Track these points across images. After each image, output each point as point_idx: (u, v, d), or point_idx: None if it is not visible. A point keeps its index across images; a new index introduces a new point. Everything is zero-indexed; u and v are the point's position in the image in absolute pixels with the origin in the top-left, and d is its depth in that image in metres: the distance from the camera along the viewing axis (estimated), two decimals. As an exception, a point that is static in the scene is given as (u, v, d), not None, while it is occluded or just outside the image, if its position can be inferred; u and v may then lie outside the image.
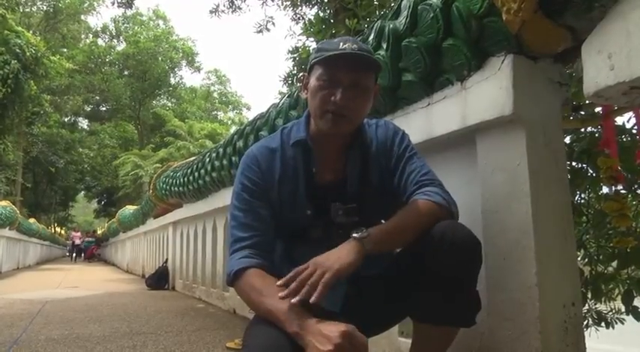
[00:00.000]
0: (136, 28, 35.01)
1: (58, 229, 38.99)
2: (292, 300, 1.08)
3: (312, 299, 1.06)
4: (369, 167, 1.41)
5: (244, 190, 1.37)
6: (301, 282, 1.10)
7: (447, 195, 1.30)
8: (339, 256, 1.14)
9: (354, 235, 1.18)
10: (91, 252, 23.53)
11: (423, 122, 1.84)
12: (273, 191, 1.38)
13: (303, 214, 1.38)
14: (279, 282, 1.14)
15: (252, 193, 1.36)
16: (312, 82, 1.34)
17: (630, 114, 2.04)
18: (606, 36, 1.18)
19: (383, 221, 1.29)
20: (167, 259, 7.53)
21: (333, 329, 1.01)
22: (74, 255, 23.95)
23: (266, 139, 1.49)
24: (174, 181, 6.25)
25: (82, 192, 38.57)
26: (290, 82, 7.45)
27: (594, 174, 2.56)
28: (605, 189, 2.63)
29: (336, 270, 1.10)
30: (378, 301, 1.36)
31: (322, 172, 1.40)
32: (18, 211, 14.50)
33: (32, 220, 18.13)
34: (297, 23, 8.26)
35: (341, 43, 1.29)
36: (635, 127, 2.37)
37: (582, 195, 2.91)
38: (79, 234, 25.05)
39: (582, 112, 2.36)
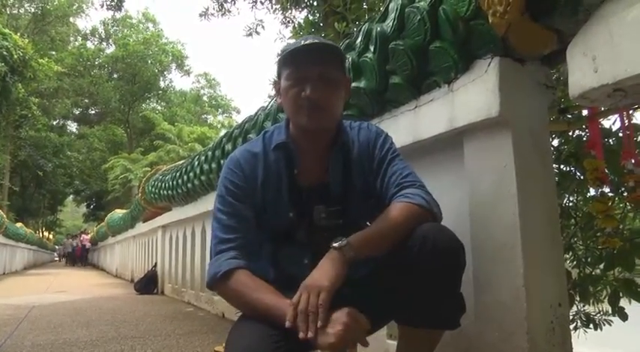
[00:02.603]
0: (126, 30, 34.81)
1: (46, 234, 38.58)
2: (306, 336, 1.05)
3: (320, 324, 1.05)
4: (351, 169, 1.40)
5: (228, 193, 1.37)
6: (304, 313, 1.08)
7: (429, 196, 1.29)
8: (323, 272, 1.14)
9: (334, 245, 1.18)
10: (80, 255, 23.23)
11: (410, 124, 1.84)
12: (256, 194, 1.38)
13: (286, 217, 1.38)
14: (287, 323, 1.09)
15: (235, 196, 1.36)
16: (283, 83, 1.36)
17: (616, 116, 2.06)
18: (590, 38, 1.19)
19: (368, 223, 1.29)
20: (156, 263, 7.47)
21: (337, 312, 1.05)
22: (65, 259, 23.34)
23: (248, 143, 1.49)
24: (163, 185, 6.21)
25: (71, 196, 38.27)
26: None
27: (582, 177, 2.59)
28: (592, 192, 2.65)
29: (328, 288, 1.10)
30: (363, 305, 1.35)
31: (304, 175, 1.39)
32: (5, 215, 14.37)
33: (19, 225, 17.96)
34: (286, 26, 8.26)
35: (302, 41, 1.31)
36: (620, 130, 2.39)
37: (570, 198, 2.93)
38: (89, 236, 23.87)
39: (569, 115, 2.38)
